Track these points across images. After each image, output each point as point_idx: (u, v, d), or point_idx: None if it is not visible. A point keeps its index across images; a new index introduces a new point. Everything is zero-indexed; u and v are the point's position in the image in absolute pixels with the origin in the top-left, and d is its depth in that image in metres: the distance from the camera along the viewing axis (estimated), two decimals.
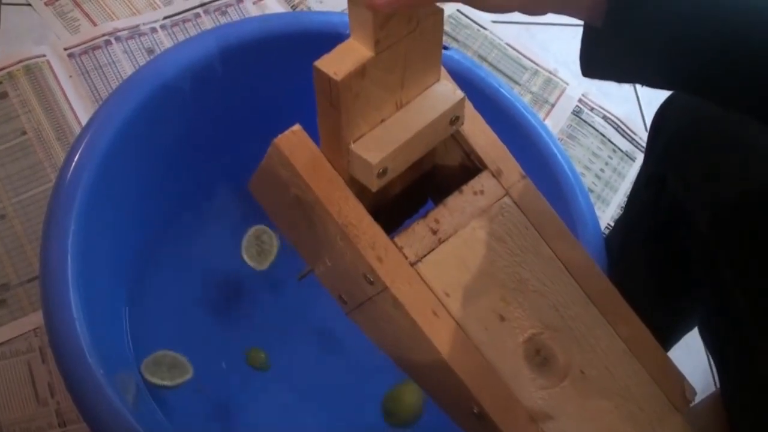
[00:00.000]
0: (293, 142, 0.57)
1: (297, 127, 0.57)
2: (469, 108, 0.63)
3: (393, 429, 0.88)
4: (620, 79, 0.56)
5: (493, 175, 0.62)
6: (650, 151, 0.77)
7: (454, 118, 0.58)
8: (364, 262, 0.56)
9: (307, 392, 0.90)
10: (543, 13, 0.52)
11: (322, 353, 0.93)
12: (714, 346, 0.72)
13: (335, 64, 0.50)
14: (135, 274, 0.88)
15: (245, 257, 0.95)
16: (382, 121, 0.56)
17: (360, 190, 0.57)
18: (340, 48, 0.51)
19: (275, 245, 0.96)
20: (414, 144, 0.56)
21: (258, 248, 0.95)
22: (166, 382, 0.86)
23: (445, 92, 0.58)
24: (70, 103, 1.06)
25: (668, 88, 0.57)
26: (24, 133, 1.04)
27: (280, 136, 0.57)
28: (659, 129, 0.74)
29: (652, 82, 0.55)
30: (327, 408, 0.90)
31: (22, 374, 0.91)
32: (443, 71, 0.59)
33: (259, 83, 0.90)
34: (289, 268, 0.91)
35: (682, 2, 0.50)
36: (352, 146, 0.54)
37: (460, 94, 0.58)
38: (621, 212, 1.08)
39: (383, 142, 0.55)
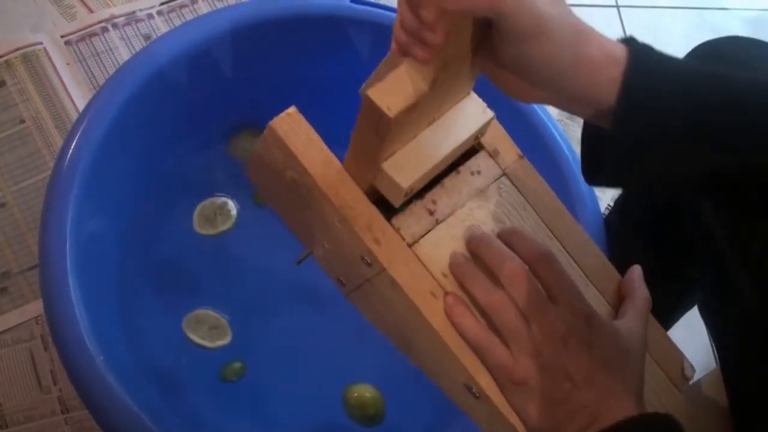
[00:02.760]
0: (289, 125, 0.56)
1: (292, 109, 0.57)
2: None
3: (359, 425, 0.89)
4: (631, 185, 0.56)
5: (490, 155, 0.62)
6: None
7: (480, 134, 0.59)
8: (361, 244, 0.56)
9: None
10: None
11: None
12: (713, 323, 0.72)
13: (388, 96, 0.47)
14: (134, 258, 0.88)
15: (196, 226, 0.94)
16: (414, 136, 0.55)
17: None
18: (393, 76, 0.48)
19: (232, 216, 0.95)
20: (441, 165, 0.57)
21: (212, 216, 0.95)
22: (205, 343, 0.87)
23: (476, 111, 0.58)
24: (67, 91, 1.06)
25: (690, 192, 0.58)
26: (22, 121, 1.03)
27: (275, 118, 0.56)
28: None
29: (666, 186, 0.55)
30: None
31: (25, 362, 0.91)
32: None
33: (256, 67, 0.90)
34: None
35: (696, 88, 0.50)
36: (384, 165, 0.54)
37: (489, 113, 0.58)
38: (620, 192, 1.08)
39: (414, 163, 0.55)
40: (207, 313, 0.90)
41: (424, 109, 0.51)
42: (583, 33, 0.49)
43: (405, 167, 0.54)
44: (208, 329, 0.89)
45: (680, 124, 0.50)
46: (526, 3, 0.45)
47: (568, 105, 0.52)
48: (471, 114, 0.58)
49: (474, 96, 0.59)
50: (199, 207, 0.94)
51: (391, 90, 0.48)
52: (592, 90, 0.50)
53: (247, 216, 0.96)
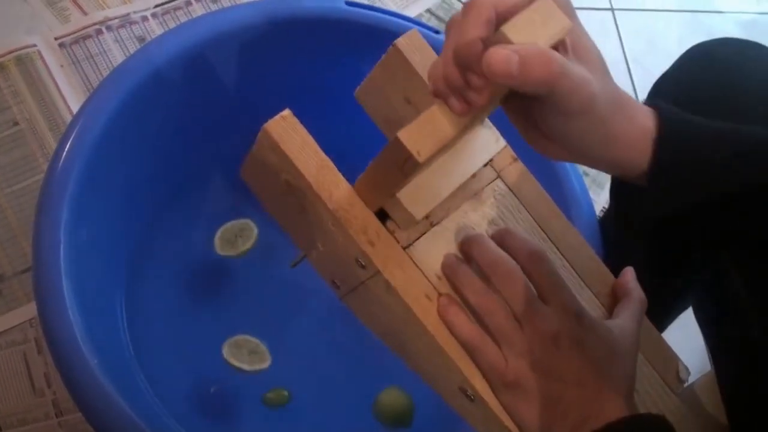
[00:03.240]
0: (283, 127, 0.56)
1: (287, 112, 0.57)
2: None
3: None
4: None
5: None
6: None
7: (490, 161, 0.59)
8: (356, 247, 0.56)
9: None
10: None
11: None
12: (708, 325, 0.72)
13: (419, 140, 0.47)
14: (129, 262, 0.88)
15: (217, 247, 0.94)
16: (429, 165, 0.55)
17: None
18: (424, 119, 0.48)
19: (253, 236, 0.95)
20: (454, 196, 0.57)
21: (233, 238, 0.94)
22: (243, 366, 0.87)
23: (489, 139, 0.59)
24: (61, 93, 1.06)
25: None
26: (16, 123, 1.03)
27: (269, 121, 0.56)
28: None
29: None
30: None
31: (18, 365, 0.91)
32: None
33: (251, 69, 0.90)
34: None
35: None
36: (398, 194, 0.54)
37: (502, 143, 0.59)
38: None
39: (427, 194, 0.55)
40: (247, 338, 0.90)
41: (447, 146, 0.51)
42: (618, 106, 0.50)
43: (419, 197, 0.54)
44: (247, 353, 0.89)
45: (710, 182, 0.52)
46: (581, 84, 0.46)
47: (594, 167, 0.54)
48: (485, 143, 0.58)
49: (488, 123, 0.59)
50: (220, 231, 0.94)
51: (421, 133, 0.48)
52: (622, 161, 0.52)
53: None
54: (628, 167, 0.52)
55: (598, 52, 0.50)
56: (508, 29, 0.45)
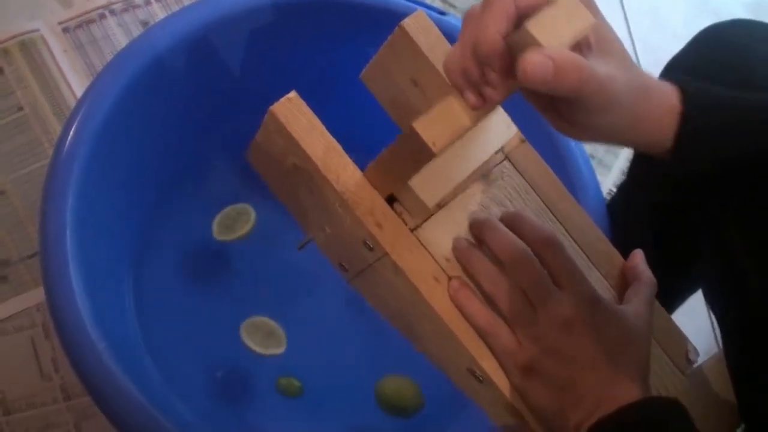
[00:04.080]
0: (289, 110, 0.56)
1: (293, 94, 0.57)
2: None
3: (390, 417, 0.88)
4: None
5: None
6: None
7: (501, 148, 0.59)
8: (363, 229, 0.56)
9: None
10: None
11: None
12: (717, 306, 0.72)
13: (434, 130, 0.48)
14: (135, 245, 0.88)
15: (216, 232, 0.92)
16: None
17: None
18: (440, 110, 0.49)
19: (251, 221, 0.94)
20: (467, 182, 0.57)
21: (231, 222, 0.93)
22: (257, 349, 0.86)
23: (501, 126, 0.59)
24: (65, 78, 1.05)
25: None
26: (20, 108, 1.03)
27: (276, 103, 0.56)
28: None
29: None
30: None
31: (26, 350, 0.91)
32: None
33: (255, 52, 0.90)
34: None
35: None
36: (410, 182, 0.54)
37: (514, 129, 0.59)
38: (623, 177, 1.07)
39: (439, 180, 0.55)
40: (264, 320, 0.89)
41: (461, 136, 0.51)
42: (644, 90, 0.51)
43: (430, 184, 0.54)
44: (263, 336, 0.89)
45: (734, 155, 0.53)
46: (606, 83, 0.46)
47: (618, 145, 0.55)
48: (497, 129, 0.58)
49: (500, 109, 0.59)
50: (219, 216, 0.93)
51: (437, 124, 0.48)
52: (648, 140, 0.53)
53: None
54: (655, 144, 0.53)
55: (620, 42, 0.51)
56: (533, 26, 0.44)
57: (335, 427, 0.87)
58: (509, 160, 0.61)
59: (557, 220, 0.62)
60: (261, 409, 0.87)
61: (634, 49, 1.36)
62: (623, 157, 1.22)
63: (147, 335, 0.83)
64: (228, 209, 0.92)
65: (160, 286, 0.89)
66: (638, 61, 1.34)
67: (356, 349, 0.91)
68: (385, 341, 0.89)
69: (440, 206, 0.58)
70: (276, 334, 0.88)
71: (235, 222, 0.91)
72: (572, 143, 0.88)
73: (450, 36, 0.64)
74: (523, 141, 0.62)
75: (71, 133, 0.75)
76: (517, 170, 0.61)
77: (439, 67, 0.51)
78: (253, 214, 0.91)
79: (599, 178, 1.18)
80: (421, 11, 0.58)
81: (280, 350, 0.87)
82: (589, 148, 1.21)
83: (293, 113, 0.56)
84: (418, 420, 0.86)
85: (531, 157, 0.63)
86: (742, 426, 0.64)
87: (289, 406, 0.87)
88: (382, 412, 0.86)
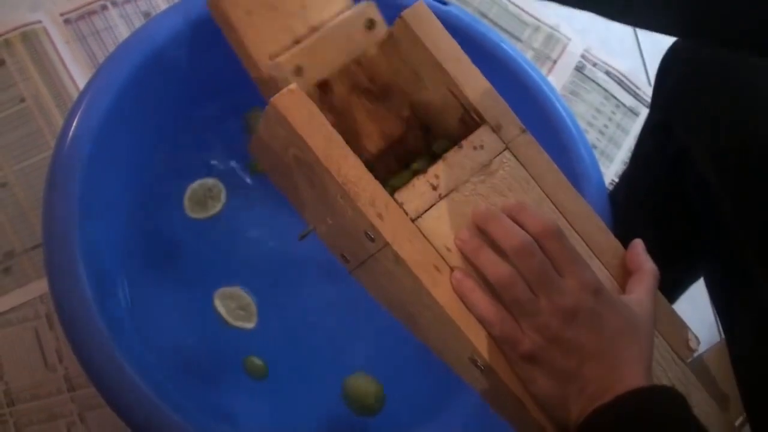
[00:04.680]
0: (290, 101, 0.56)
1: (294, 85, 0.57)
2: (467, 63, 0.63)
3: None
4: (575, 4, 0.54)
5: (493, 130, 0.61)
6: (655, 99, 0.77)
7: (368, 21, 0.59)
8: (364, 219, 0.56)
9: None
10: None
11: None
12: (719, 295, 0.72)
13: None
14: (138, 234, 0.88)
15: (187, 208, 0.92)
16: (297, 42, 0.59)
17: (359, 149, 0.57)
18: None
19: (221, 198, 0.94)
20: (326, 45, 0.59)
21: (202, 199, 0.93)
22: (229, 318, 0.87)
23: (356, 14, 0.61)
24: (68, 69, 1.05)
25: (623, 21, 0.54)
26: (22, 100, 1.03)
27: (276, 95, 0.56)
28: (664, 76, 0.74)
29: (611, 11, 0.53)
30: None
31: (30, 341, 0.91)
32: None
33: None
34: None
35: None
36: (269, 63, 0.57)
37: (372, 12, 0.61)
38: (625, 168, 1.07)
39: (295, 49, 0.58)
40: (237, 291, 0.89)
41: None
42: None
43: (286, 55, 0.58)
44: (236, 308, 0.89)
45: None
46: None
47: None
48: (350, 11, 0.62)
49: (359, 5, 0.62)
50: (189, 190, 0.93)
51: None
52: None
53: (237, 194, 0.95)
54: None
55: None
56: None
57: (298, 415, 0.86)
58: (510, 150, 0.61)
59: (558, 210, 0.62)
60: (227, 389, 0.86)
61: (636, 37, 1.36)
62: (625, 147, 1.22)
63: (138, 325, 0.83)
64: (197, 185, 0.92)
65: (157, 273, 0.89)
66: (640, 51, 1.34)
67: (326, 341, 0.90)
68: (355, 337, 0.89)
69: (441, 196, 0.58)
70: (248, 309, 0.88)
71: (207, 198, 0.92)
72: (575, 132, 0.88)
73: (450, 27, 0.64)
74: (524, 131, 0.63)
75: (74, 123, 0.75)
76: (518, 160, 0.62)
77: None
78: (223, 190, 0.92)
79: (602, 169, 1.18)
80: (421, 2, 0.59)
81: (250, 325, 0.88)
82: (591, 138, 1.21)
83: (294, 104, 0.56)
84: (382, 419, 0.86)
85: (532, 146, 0.63)
86: (744, 415, 0.64)
87: (256, 388, 0.86)
88: (347, 408, 0.87)
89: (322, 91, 0.60)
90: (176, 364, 0.84)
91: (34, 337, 0.92)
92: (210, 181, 0.93)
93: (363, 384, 0.87)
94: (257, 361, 0.87)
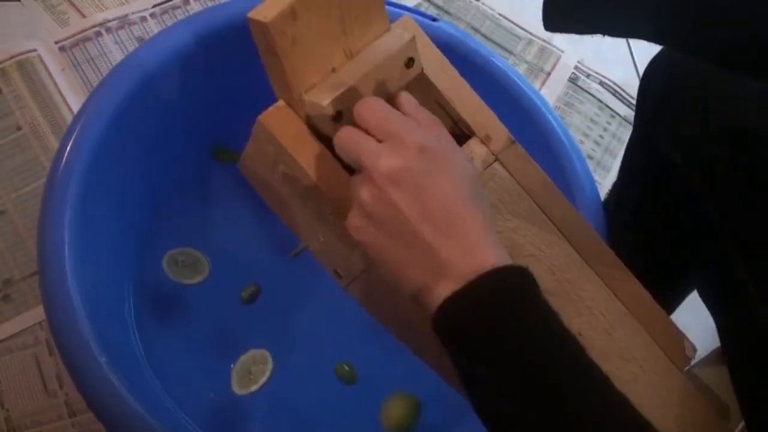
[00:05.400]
0: (278, 118, 0.56)
1: (281, 102, 0.57)
2: (455, 76, 0.63)
3: None
4: (581, 30, 0.54)
5: (482, 142, 0.61)
6: (639, 113, 0.77)
7: (408, 60, 0.58)
8: None
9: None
10: None
11: None
12: (713, 302, 0.71)
13: (265, 10, 0.52)
14: (136, 259, 0.88)
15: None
16: (333, 70, 0.56)
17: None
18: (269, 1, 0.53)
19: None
20: (366, 85, 0.56)
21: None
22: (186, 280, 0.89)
23: (395, 37, 0.58)
24: (63, 97, 1.06)
25: (630, 36, 0.54)
26: (19, 128, 1.04)
27: (264, 112, 0.56)
28: (646, 90, 0.74)
29: (616, 29, 0.53)
30: None
31: (30, 367, 0.91)
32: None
33: (248, 64, 0.90)
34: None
35: None
36: (305, 96, 0.55)
37: (409, 35, 0.58)
38: (617, 178, 1.07)
39: (335, 86, 0.55)
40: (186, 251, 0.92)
41: (317, 24, 0.54)
42: None
43: (326, 91, 0.55)
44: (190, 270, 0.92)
45: None
46: None
47: None
48: (390, 40, 0.58)
49: (396, 29, 0.60)
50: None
51: (267, 6, 0.52)
52: None
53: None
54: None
55: None
56: None
57: None
58: (499, 162, 0.61)
59: (551, 220, 0.62)
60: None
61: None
62: (621, 157, 1.22)
63: (148, 348, 0.83)
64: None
65: (159, 296, 0.89)
66: (634, 61, 1.34)
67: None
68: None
69: None
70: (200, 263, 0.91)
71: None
72: (567, 143, 0.88)
73: (441, 43, 0.64)
74: (513, 142, 0.63)
75: (67, 149, 0.75)
76: (508, 171, 0.62)
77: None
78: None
79: (598, 179, 1.18)
80: (407, 16, 0.59)
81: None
82: (587, 149, 1.21)
83: (282, 121, 0.56)
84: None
85: (522, 158, 0.63)
86: (742, 423, 0.64)
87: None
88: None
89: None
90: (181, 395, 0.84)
91: (34, 364, 0.92)
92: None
93: (401, 409, 0.87)
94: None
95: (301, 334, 0.92)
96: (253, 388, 0.88)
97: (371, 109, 0.52)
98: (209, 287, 0.92)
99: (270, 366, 0.89)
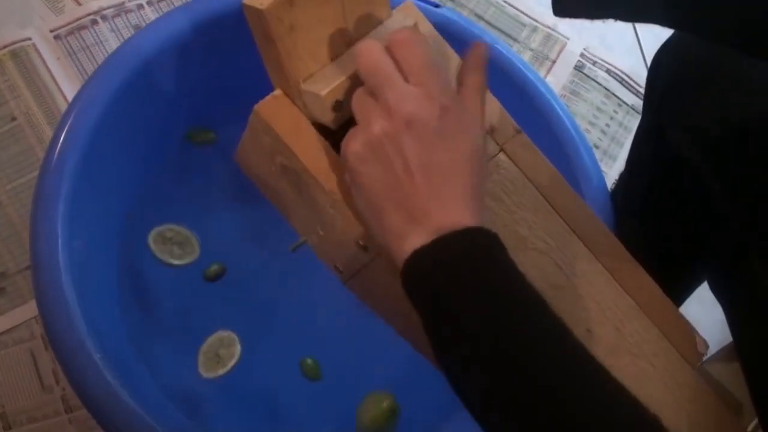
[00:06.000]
0: (275, 108, 0.55)
1: (278, 91, 0.55)
2: (457, 62, 0.61)
3: None
4: (592, 14, 0.52)
5: (487, 132, 0.59)
6: (648, 102, 0.75)
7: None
8: (356, 228, 0.54)
9: None
10: None
11: None
12: (724, 295, 0.70)
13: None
14: (128, 253, 0.87)
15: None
16: (333, 59, 0.54)
17: None
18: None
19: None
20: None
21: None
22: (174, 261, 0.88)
23: (397, 23, 0.57)
24: (58, 86, 1.04)
25: (641, 20, 0.53)
26: (14, 118, 1.02)
27: (260, 102, 0.54)
28: (655, 78, 0.72)
29: (626, 14, 0.51)
30: None
31: (26, 362, 0.90)
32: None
33: (245, 51, 0.88)
34: None
35: None
36: (303, 85, 0.53)
37: (411, 21, 0.56)
38: (624, 168, 1.05)
39: (334, 75, 0.53)
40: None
41: (316, 11, 0.51)
42: None
43: (324, 80, 0.53)
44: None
45: None
46: None
47: None
48: (392, 27, 0.56)
49: (398, 15, 0.58)
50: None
51: None
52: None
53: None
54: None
55: None
56: None
57: None
58: (504, 152, 0.60)
59: (556, 211, 0.60)
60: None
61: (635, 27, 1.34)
62: (628, 146, 1.20)
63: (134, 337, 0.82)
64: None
65: (149, 285, 0.88)
66: (641, 48, 1.32)
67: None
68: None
69: None
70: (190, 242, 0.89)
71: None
72: (573, 132, 0.86)
73: (443, 29, 0.62)
74: (519, 132, 0.61)
75: (61, 139, 0.74)
76: (513, 162, 0.60)
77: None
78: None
79: (604, 168, 1.16)
80: (410, 2, 0.57)
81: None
82: (593, 138, 1.19)
83: (279, 111, 0.55)
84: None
85: (527, 148, 0.61)
86: (756, 420, 0.62)
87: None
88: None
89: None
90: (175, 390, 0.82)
91: (30, 359, 0.90)
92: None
93: (374, 407, 0.85)
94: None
95: (271, 320, 0.91)
96: (221, 371, 0.86)
97: (416, 53, 0.51)
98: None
99: (238, 349, 0.87)
